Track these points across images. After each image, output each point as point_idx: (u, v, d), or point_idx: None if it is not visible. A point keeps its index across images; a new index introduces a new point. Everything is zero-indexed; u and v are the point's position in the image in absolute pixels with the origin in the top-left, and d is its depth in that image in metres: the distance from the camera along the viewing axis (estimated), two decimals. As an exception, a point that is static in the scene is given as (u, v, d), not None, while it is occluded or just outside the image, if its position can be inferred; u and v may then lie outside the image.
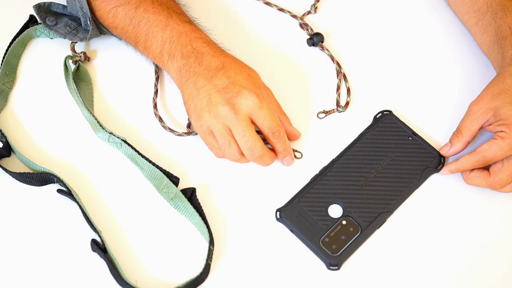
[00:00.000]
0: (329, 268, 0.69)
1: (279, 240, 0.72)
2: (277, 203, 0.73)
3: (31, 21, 0.85)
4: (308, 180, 0.74)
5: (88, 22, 0.80)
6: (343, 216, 0.71)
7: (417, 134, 0.76)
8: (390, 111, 0.78)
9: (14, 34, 0.84)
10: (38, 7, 0.82)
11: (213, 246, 0.70)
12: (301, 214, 0.71)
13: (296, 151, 0.77)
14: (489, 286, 0.69)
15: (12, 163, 0.77)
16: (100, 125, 0.77)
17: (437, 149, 0.76)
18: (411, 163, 0.74)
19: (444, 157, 0.75)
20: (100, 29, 0.81)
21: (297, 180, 0.75)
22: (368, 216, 0.71)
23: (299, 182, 0.75)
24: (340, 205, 0.72)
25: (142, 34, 0.77)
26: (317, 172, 0.74)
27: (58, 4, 0.82)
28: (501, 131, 0.70)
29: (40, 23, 0.84)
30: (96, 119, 0.77)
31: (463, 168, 0.73)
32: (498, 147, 0.70)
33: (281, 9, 0.88)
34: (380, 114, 0.78)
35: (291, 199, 0.73)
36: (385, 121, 0.77)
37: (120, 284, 0.67)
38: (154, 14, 0.76)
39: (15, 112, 0.80)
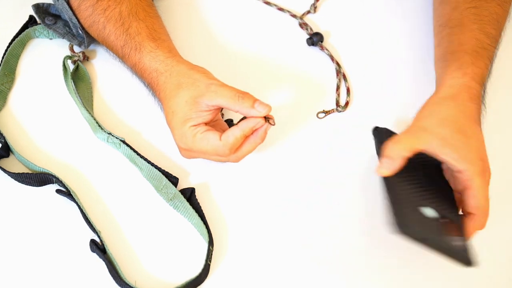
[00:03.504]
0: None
1: (278, 240, 0.71)
2: (277, 202, 0.73)
3: (31, 21, 0.85)
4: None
5: (80, 32, 0.80)
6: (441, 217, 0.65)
7: None
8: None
9: (13, 34, 0.84)
10: (36, 7, 0.82)
11: (212, 247, 0.70)
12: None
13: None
14: (490, 286, 0.69)
15: (11, 163, 0.76)
16: (99, 126, 0.77)
17: None
18: None
19: None
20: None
21: (297, 179, 0.75)
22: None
23: (298, 182, 0.74)
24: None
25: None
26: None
27: None
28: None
29: (40, 24, 0.84)
30: (95, 119, 0.77)
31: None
32: None
33: (280, 9, 0.88)
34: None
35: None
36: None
37: (119, 284, 0.67)
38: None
39: (14, 113, 0.80)
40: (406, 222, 0.61)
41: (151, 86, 0.75)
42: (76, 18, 0.79)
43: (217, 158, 0.71)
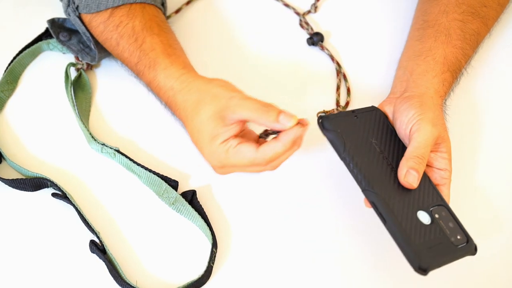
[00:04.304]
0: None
1: (281, 242, 0.71)
2: (280, 202, 0.73)
3: (45, 34, 0.83)
4: None
5: (93, 46, 0.79)
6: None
7: None
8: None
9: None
10: (51, 22, 0.81)
11: (216, 249, 0.69)
12: None
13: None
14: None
15: (3, 170, 0.75)
16: (92, 137, 0.76)
17: None
18: None
19: None
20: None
21: (299, 181, 0.74)
22: None
23: (300, 183, 0.74)
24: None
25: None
26: None
27: None
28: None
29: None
30: (88, 131, 0.76)
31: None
32: None
33: (286, 5, 0.88)
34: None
35: None
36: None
37: (120, 284, 0.66)
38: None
39: (9, 120, 0.79)
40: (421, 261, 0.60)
41: (168, 105, 0.72)
42: (89, 32, 0.78)
43: (253, 170, 0.67)
